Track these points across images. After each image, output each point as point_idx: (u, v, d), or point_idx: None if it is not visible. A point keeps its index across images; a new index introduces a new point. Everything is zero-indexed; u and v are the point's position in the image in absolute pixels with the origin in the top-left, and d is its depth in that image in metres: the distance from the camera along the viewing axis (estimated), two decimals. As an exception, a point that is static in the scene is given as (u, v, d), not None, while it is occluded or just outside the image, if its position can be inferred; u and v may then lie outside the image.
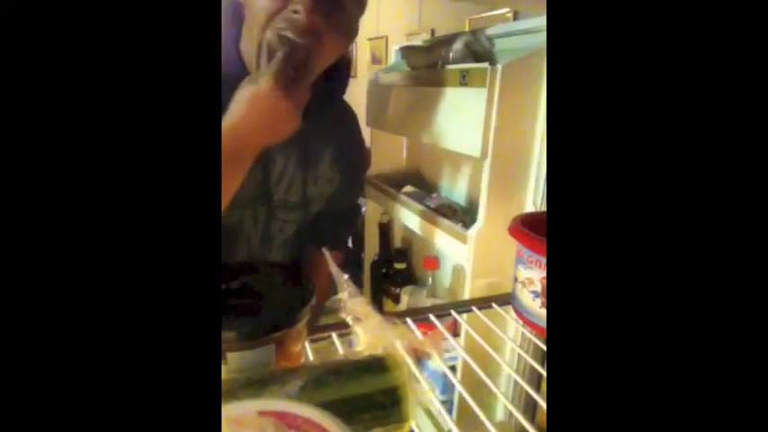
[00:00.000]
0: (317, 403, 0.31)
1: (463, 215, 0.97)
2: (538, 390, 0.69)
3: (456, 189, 1.11)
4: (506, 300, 0.63)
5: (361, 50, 3.45)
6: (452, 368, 0.81)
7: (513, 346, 0.61)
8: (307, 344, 0.50)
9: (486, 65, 0.73)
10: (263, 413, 0.29)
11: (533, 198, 0.80)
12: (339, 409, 0.31)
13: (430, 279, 1.05)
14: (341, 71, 0.77)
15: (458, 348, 0.56)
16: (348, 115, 0.88)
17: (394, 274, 1.19)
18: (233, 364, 0.39)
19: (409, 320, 0.58)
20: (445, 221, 0.89)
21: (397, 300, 1.17)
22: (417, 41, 1.08)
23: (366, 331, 0.46)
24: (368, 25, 3.25)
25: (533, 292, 0.58)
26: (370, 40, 3.27)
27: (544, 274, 0.55)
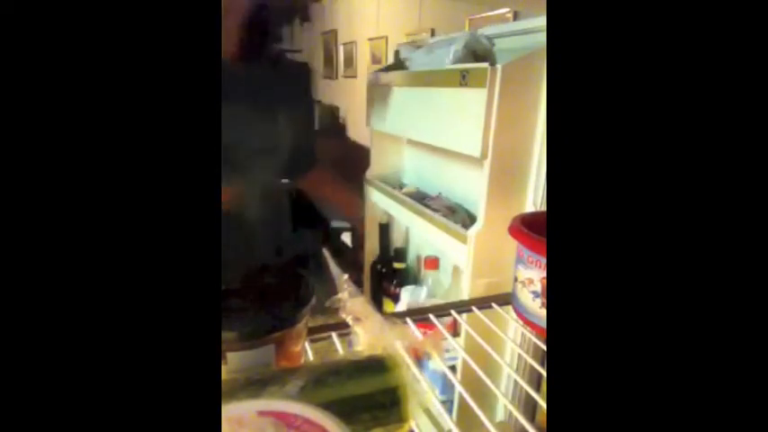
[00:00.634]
0: (317, 403, 0.31)
1: (464, 216, 0.97)
2: (538, 390, 0.69)
3: (456, 189, 1.11)
4: (506, 300, 0.63)
5: (362, 50, 3.45)
6: (452, 368, 0.81)
7: (513, 346, 0.61)
8: (307, 344, 0.50)
9: (486, 65, 0.73)
10: (262, 413, 0.29)
11: (533, 198, 0.80)
12: (339, 409, 0.31)
13: (430, 279, 1.05)
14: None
15: (458, 348, 0.56)
16: (294, 67, 0.89)
17: (393, 273, 1.19)
18: (233, 364, 0.39)
19: (409, 320, 0.58)
20: (445, 221, 0.89)
21: (396, 299, 1.17)
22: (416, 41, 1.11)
23: (366, 331, 0.46)
24: (368, 25, 3.26)
25: (533, 293, 0.58)
26: (371, 40, 3.27)
27: (544, 274, 0.55)
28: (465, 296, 0.81)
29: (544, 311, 0.57)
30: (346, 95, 4.02)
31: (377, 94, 1.13)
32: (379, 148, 1.26)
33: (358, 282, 1.32)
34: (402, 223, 1.11)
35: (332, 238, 1.35)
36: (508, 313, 0.63)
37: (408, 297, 1.07)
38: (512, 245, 0.58)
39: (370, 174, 1.26)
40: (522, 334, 0.76)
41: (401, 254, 1.20)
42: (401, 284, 1.16)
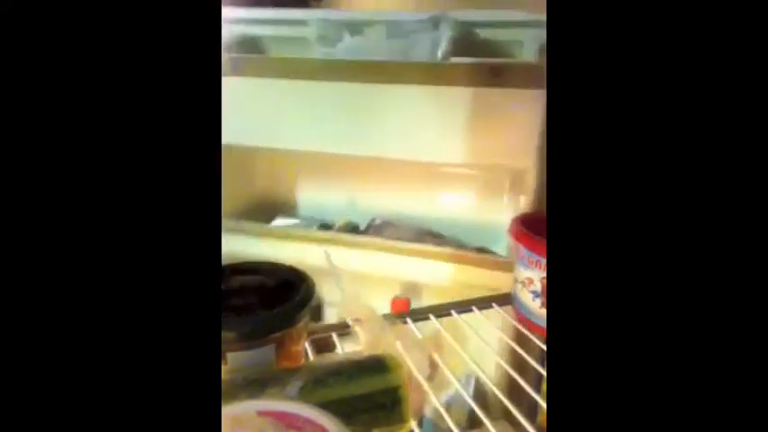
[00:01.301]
0: (316, 403, 0.31)
1: (440, 237, 0.88)
2: (538, 390, 0.69)
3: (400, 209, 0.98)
4: (506, 300, 0.63)
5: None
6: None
7: (513, 346, 0.61)
8: (307, 344, 0.50)
9: (529, 60, 0.68)
10: (262, 413, 0.29)
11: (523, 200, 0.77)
12: (339, 409, 0.31)
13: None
14: None
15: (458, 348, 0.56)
16: None
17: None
18: (233, 363, 0.39)
19: (409, 321, 0.58)
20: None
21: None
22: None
23: (366, 331, 0.46)
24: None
25: (533, 292, 0.58)
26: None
27: (544, 274, 0.55)
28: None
29: (544, 311, 0.57)
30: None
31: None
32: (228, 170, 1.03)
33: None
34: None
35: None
36: (508, 313, 0.63)
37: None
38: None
39: (227, 212, 0.92)
40: (522, 334, 0.76)
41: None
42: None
